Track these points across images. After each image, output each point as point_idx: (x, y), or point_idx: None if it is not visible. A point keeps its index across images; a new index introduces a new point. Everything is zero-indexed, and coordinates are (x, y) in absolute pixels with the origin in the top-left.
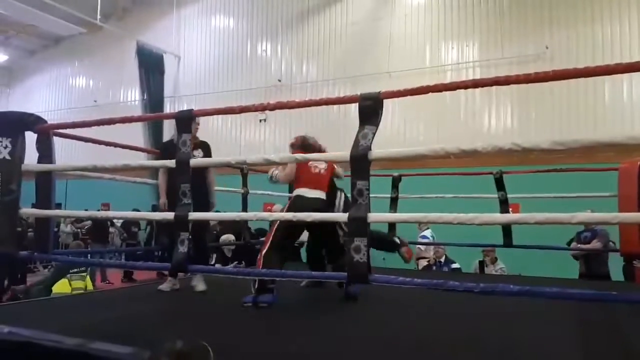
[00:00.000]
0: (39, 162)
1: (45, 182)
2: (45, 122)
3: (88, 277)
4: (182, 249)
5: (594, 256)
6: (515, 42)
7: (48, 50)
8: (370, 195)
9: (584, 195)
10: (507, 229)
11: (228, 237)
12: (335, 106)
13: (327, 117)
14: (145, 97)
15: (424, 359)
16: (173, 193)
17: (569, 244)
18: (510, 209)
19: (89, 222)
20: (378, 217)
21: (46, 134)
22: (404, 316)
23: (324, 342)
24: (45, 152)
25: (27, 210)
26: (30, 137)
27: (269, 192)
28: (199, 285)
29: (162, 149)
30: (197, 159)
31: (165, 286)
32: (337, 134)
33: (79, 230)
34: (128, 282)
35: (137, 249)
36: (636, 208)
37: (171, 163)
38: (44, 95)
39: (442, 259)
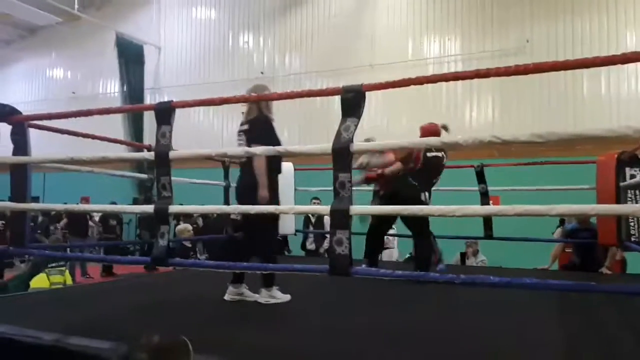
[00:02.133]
0: (13, 154)
1: (20, 175)
2: (20, 113)
3: (67, 271)
4: (162, 242)
5: (588, 249)
6: (496, 36)
7: (25, 40)
8: (353, 188)
9: (563, 188)
10: (487, 221)
11: (186, 227)
12: (318, 98)
13: (310, 110)
14: (125, 88)
15: (409, 350)
16: (272, 184)
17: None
18: (491, 202)
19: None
20: (361, 210)
21: (21, 125)
22: (382, 307)
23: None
24: (20, 144)
25: (2, 204)
26: (5, 129)
27: None
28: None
29: (264, 127)
30: (176, 152)
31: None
32: (320, 127)
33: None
34: (107, 276)
35: (117, 243)
36: (614, 200)
37: (150, 155)
38: (21, 86)
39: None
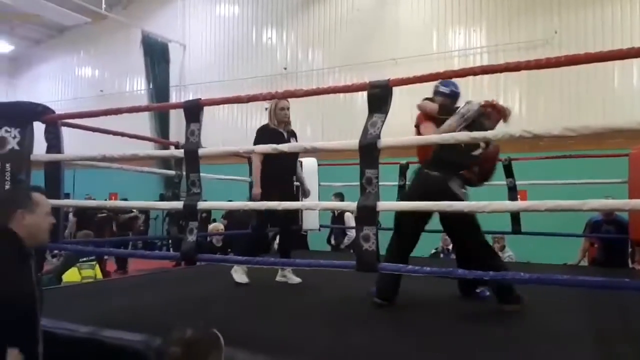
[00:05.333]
0: (47, 152)
1: (53, 172)
2: (53, 112)
3: (97, 265)
4: (191, 238)
5: (614, 244)
6: (523, 27)
7: (53, 40)
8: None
9: (592, 181)
10: (516, 216)
11: (216, 226)
12: (342, 94)
13: (333, 105)
14: (151, 86)
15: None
16: (272, 181)
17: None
18: (518, 196)
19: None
20: (387, 206)
21: (54, 124)
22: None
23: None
24: (54, 142)
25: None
26: (39, 128)
27: None
28: (292, 277)
29: (258, 134)
30: (205, 149)
31: (238, 276)
32: (344, 122)
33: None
34: (122, 273)
35: (144, 238)
36: None
37: (179, 152)
38: (50, 85)
39: (450, 247)
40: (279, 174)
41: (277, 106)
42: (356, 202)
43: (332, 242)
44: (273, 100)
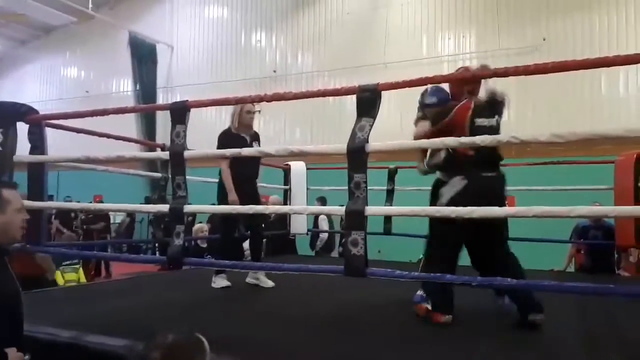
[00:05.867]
0: (30, 153)
1: (37, 174)
2: (37, 112)
3: (81, 269)
4: (178, 241)
5: (600, 250)
6: (512, 34)
7: (39, 40)
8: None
9: (580, 188)
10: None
11: (201, 227)
12: (331, 97)
13: (322, 109)
14: (137, 87)
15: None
16: (240, 186)
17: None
18: (506, 202)
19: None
20: (376, 210)
21: (38, 124)
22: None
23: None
24: (38, 143)
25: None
26: (22, 128)
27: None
28: (265, 281)
29: (221, 139)
30: (191, 151)
31: (218, 283)
32: (333, 126)
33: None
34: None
35: (130, 241)
36: (632, 201)
37: (165, 155)
38: (35, 85)
39: None
40: (243, 179)
41: (243, 109)
42: (344, 207)
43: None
44: (245, 107)
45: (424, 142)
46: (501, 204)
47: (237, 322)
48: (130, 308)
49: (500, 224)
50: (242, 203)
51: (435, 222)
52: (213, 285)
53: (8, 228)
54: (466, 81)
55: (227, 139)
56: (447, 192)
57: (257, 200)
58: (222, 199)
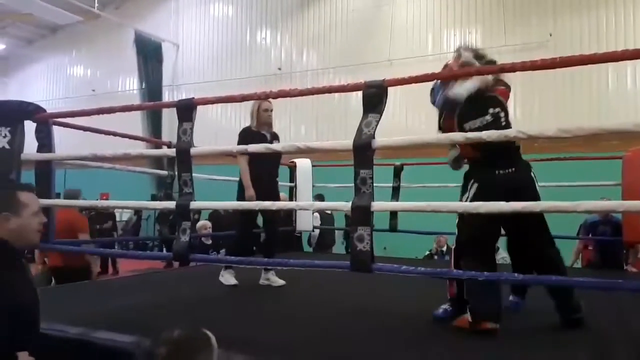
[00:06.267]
0: (38, 151)
1: (45, 172)
2: (45, 110)
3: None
4: (184, 238)
5: (609, 246)
6: (518, 30)
7: (45, 39)
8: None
9: (587, 184)
10: None
11: (204, 224)
12: (337, 94)
13: (327, 106)
14: (143, 86)
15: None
16: (258, 184)
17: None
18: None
19: None
20: (382, 206)
21: (45, 123)
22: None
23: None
24: (45, 141)
25: None
26: (30, 127)
27: None
28: (276, 280)
29: (241, 136)
30: (197, 148)
31: (226, 278)
32: (338, 123)
33: None
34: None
35: (136, 238)
36: None
37: (171, 152)
38: (42, 84)
39: (444, 248)
40: (262, 177)
41: (260, 107)
42: (350, 203)
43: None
44: (256, 102)
45: (429, 138)
46: (527, 198)
47: (246, 319)
48: (137, 305)
49: (533, 220)
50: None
51: (464, 223)
52: (221, 279)
53: (24, 231)
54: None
55: (247, 136)
56: (467, 195)
57: (277, 199)
58: (241, 196)
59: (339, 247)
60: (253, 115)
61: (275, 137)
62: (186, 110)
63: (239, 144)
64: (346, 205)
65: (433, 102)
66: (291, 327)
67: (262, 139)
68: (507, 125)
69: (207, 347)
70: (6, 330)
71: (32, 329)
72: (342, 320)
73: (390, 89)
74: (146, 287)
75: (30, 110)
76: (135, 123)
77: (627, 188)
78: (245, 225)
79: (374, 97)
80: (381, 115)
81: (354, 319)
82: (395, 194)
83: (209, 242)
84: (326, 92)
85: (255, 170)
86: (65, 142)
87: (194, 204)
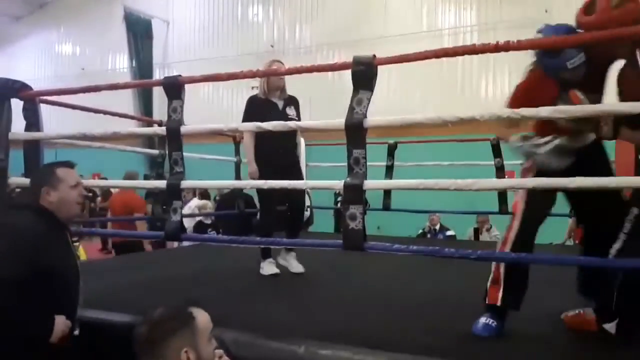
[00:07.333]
0: (26, 130)
1: (33, 151)
2: (31, 88)
3: (81, 246)
4: (175, 217)
5: None
6: (514, 6)
7: (33, 15)
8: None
9: None
10: (503, 195)
11: (205, 204)
12: (330, 73)
13: (321, 84)
14: (134, 64)
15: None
16: (264, 160)
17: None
18: (507, 176)
19: None
20: (374, 185)
21: (32, 101)
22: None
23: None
24: (32, 119)
25: (17, 180)
26: (17, 106)
27: None
28: (297, 265)
29: (246, 106)
30: (188, 127)
31: (266, 269)
32: (333, 101)
33: None
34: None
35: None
36: (633, 173)
37: (162, 130)
38: (30, 62)
39: (437, 227)
40: (273, 151)
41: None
42: (343, 181)
43: None
44: (266, 62)
45: (419, 118)
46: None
47: (242, 298)
48: (130, 284)
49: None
50: (273, 177)
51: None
52: (261, 272)
53: (63, 203)
54: None
55: (252, 106)
56: None
57: (295, 174)
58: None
59: (317, 226)
60: (262, 81)
61: (290, 103)
62: (174, 88)
63: (244, 115)
64: (339, 184)
65: None
66: (294, 308)
67: (271, 107)
68: None
69: (187, 326)
70: (46, 292)
71: (71, 298)
72: (349, 302)
73: (383, 67)
74: (140, 267)
75: (16, 88)
76: (126, 102)
77: (620, 165)
78: (264, 204)
79: (364, 74)
80: (372, 91)
81: (372, 301)
82: (389, 172)
83: (209, 221)
84: (314, 71)
85: (267, 145)
86: (60, 123)
87: (185, 183)
